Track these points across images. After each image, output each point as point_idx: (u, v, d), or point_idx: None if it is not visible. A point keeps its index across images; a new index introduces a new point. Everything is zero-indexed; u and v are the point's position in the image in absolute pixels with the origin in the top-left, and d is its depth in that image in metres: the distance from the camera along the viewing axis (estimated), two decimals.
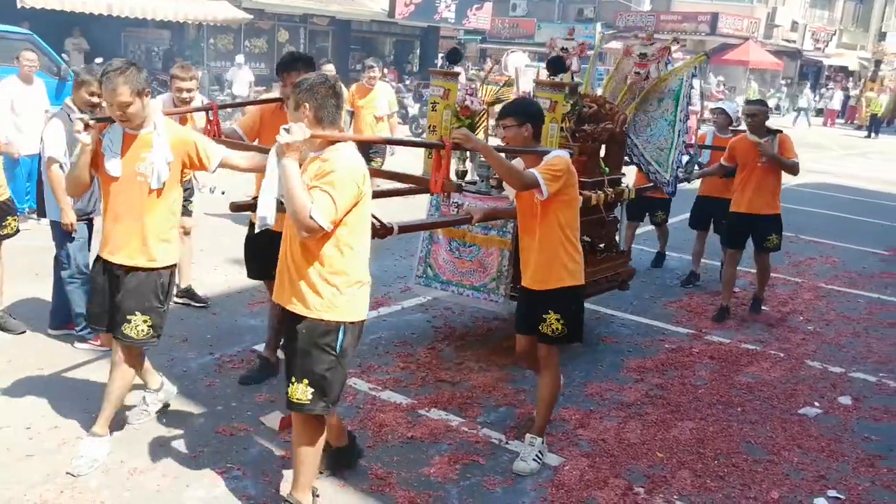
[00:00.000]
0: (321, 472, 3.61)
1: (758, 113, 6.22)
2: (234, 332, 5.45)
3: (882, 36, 41.38)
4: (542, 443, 4.03)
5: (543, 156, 3.88)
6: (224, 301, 6.04)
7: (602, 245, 5.60)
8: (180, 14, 18.67)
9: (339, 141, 3.14)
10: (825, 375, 5.43)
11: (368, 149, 8.15)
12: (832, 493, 3.90)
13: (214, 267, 6.81)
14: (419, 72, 27.16)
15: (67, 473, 3.57)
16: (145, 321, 3.70)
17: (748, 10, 33.84)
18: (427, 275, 5.43)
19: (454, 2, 27.25)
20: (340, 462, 3.79)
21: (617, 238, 5.77)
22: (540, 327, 3.96)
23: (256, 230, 3.24)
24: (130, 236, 3.66)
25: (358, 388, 4.68)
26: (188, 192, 5.67)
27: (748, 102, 7.09)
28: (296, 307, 3.18)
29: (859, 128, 29.31)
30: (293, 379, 3.22)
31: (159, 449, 3.88)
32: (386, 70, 25.09)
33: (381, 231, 3.96)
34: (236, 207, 3.84)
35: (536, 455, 3.97)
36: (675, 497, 3.77)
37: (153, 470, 3.69)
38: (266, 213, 3.08)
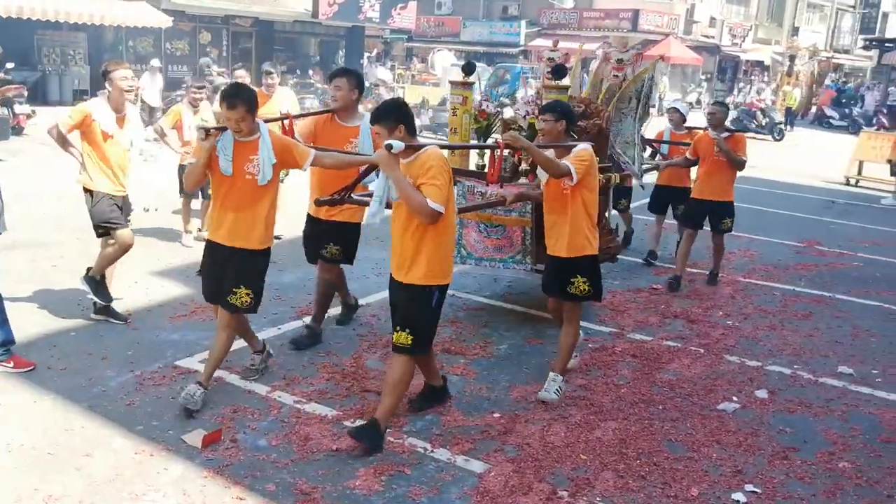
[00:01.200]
0: (418, 409, 4.57)
1: (717, 112, 7.36)
2: (156, 347, 5.31)
3: (795, 31, 42.92)
4: (563, 381, 4.89)
5: (571, 148, 4.69)
6: (145, 316, 5.88)
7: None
8: (96, 16, 18.16)
9: (421, 147, 4.04)
10: (743, 370, 5.58)
11: None
12: (749, 487, 4.01)
13: (135, 281, 6.62)
14: None
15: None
16: (248, 294, 4.46)
17: (668, 6, 34.64)
18: (461, 254, 6.12)
19: (378, 1, 27.18)
20: (433, 398, 4.66)
21: (607, 218, 6.63)
22: (568, 289, 4.82)
23: (365, 222, 4.46)
24: (240, 224, 4.41)
25: (282, 402, 4.61)
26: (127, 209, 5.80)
27: (712, 104, 8.22)
28: (410, 277, 4.08)
29: (756, 127, 30.29)
30: (397, 328, 4.13)
31: (76, 473, 3.76)
32: (311, 72, 24.91)
33: None
34: (320, 203, 4.84)
35: (557, 389, 4.82)
36: (597, 499, 3.82)
37: (69, 497, 3.57)
38: (375, 212, 4.13)
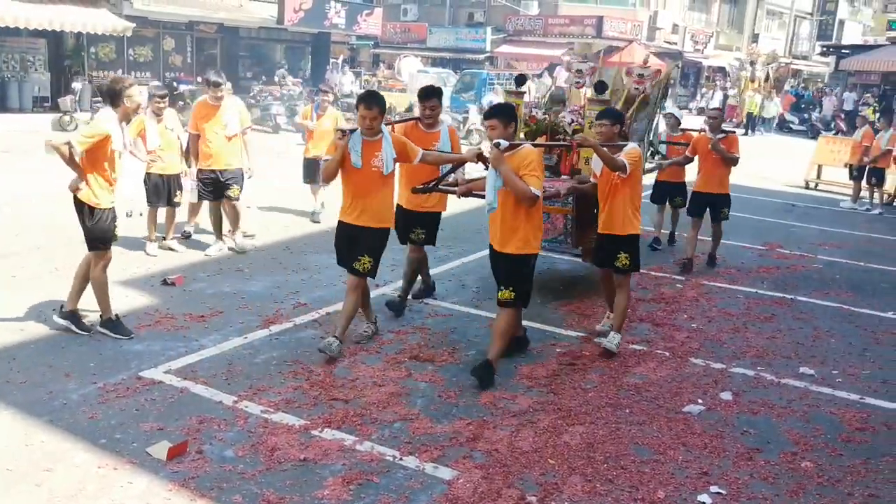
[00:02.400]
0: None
1: (717, 116, 8.71)
2: (119, 358, 5.24)
3: (755, 38, 43.64)
4: (620, 336, 5.83)
5: (622, 147, 5.73)
6: None
7: None
8: (56, 23, 17.88)
9: (519, 145, 5.16)
10: (708, 372, 5.65)
11: (224, 179, 7.70)
12: (714, 488, 4.06)
13: None
14: (311, 78, 26.87)
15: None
16: (369, 261, 5.49)
17: (631, 13, 35.03)
18: None
19: (344, 8, 27.13)
20: (519, 345, 5.66)
21: None
22: (615, 263, 5.81)
23: (487, 212, 5.21)
24: (367, 207, 5.45)
25: (249, 412, 4.57)
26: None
27: (710, 109, 9.86)
28: (510, 249, 5.14)
29: (738, 126, 30.81)
30: (502, 287, 5.21)
31: (36, 490, 3.69)
32: (277, 78, 24.72)
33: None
34: (416, 190, 5.85)
35: (617, 343, 5.78)
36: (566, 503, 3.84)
37: None
38: (492, 199, 5.10)
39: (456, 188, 5.89)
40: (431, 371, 5.33)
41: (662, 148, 9.40)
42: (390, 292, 6.91)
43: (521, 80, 7.71)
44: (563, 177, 7.13)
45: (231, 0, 23.81)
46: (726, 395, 5.23)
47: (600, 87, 7.08)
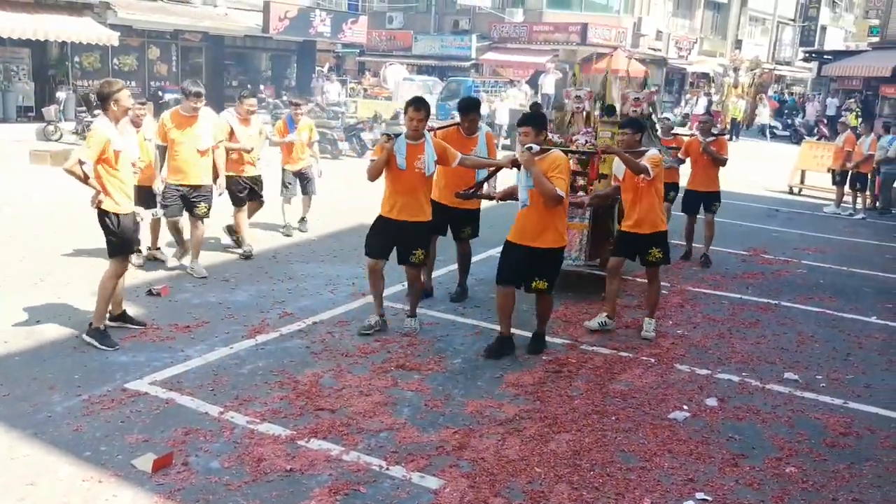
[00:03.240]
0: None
1: (707, 121, 9.50)
2: (104, 370, 5.20)
3: (738, 44, 43.97)
4: (656, 321, 6.57)
5: (643, 153, 6.25)
6: None
7: None
8: (40, 32, 17.77)
9: (549, 150, 5.75)
10: (693, 378, 5.68)
11: (192, 196, 7.38)
12: (700, 495, 4.07)
13: (82, 301, 6.48)
14: (297, 86, 26.85)
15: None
16: (422, 252, 6.14)
17: (615, 20, 35.19)
18: None
19: (329, 16, 27.17)
20: (503, 349, 5.91)
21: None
22: (647, 258, 6.40)
23: (521, 207, 5.69)
24: (408, 203, 6.02)
25: (235, 423, 4.55)
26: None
27: (702, 115, 10.60)
28: (541, 244, 5.67)
29: (723, 132, 30.97)
30: (535, 278, 5.74)
31: None
32: (263, 87, 24.74)
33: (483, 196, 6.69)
34: (460, 196, 6.31)
35: (654, 329, 6.48)
36: None
37: None
38: (525, 199, 5.65)
39: (493, 196, 6.56)
40: (418, 380, 5.33)
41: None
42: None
43: (535, 107, 8.85)
44: (580, 193, 7.63)
45: (216, 9, 23.79)
46: (711, 402, 5.26)
47: (610, 110, 7.98)
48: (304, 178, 9.53)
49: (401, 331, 6.21)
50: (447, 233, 7.05)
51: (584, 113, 8.27)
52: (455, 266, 7.44)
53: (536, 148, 5.55)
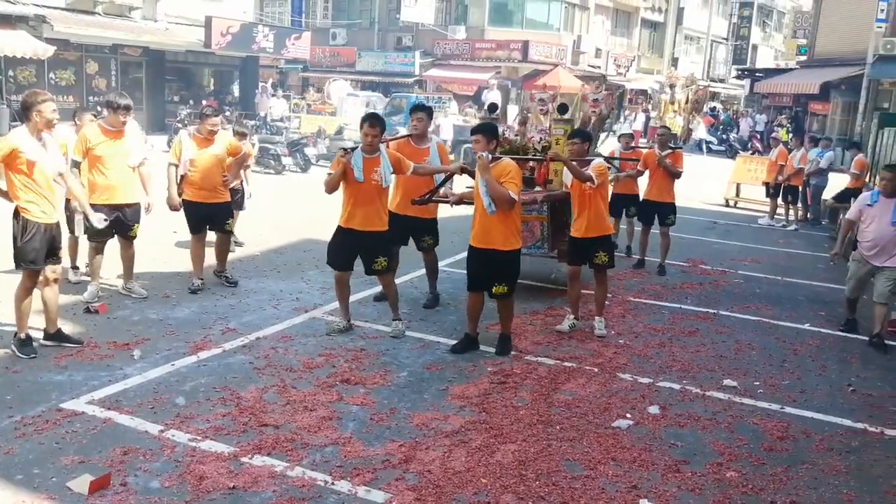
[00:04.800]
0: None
1: (664, 134, 10.05)
2: (38, 389, 5.03)
3: (675, 62, 45.13)
4: (604, 322, 6.94)
5: (590, 162, 6.66)
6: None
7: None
8: None
9: (500, 158, 6.09)
10: (635, 387, 5.76)
11: (126, 216, 6.96)
12: (644, 501, 4.12)
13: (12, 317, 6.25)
14: (240, 102, 26.55)
15: None
16: (384, 260, 6.40)
17: (556, 37, 35.76)
18: None
19: (272, 32, 26.96)
20: (469, 345, 6.27)
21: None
22: (594, 260, 6.76)
23: (490, 214, 5.92)
24: (369, 215, 6.28)
25: (176, 441, 4.45)
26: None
27: (659, 127, 10.94)
28: (500, 245, 5.96)
29: (681, 146, 31.59)
30: (496, 283, 6.05)
31: None
32: (205, 102, 24.35)
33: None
34: (415, 202, 6.73)
35: (604, 326, 6.88)
36: None
37: None
38: (489, 203, 5.90)
39: (448, 199, 6.84)
40: (363, 394, 5.30)
41: (615, 164, 10.06)
42: (321, 315, 6.86)
43: (493, 108, 9.03)
44: (537, 188, 7.90)
45: (157, 23, 23.40)
46: (654, 409, 5.34)
47: (562, 108, 8.12)
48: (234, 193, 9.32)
49: (393, 335, 6.51)
50: (409, 243, 7.33)
51: (598, 115, 8.62)
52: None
53: (488, 156, 5.87)
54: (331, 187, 6.30)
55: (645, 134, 34.77)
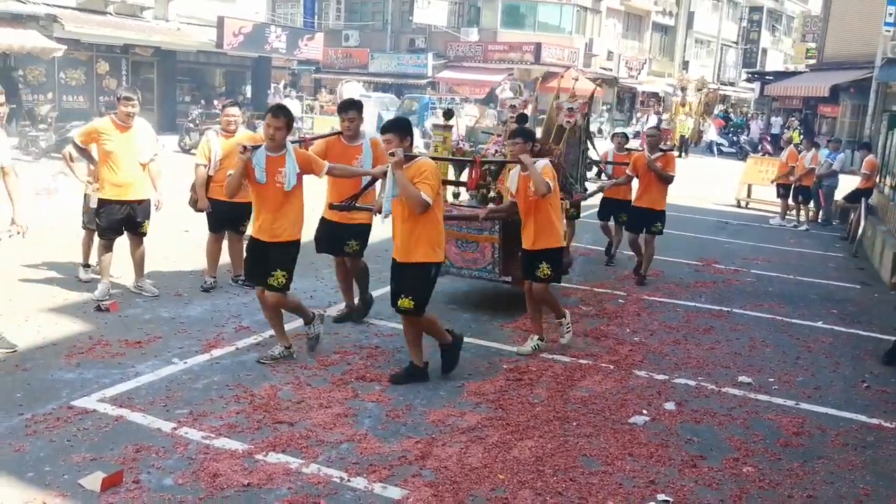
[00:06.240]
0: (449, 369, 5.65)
1: (654, 135, 8.96)
2: (49, 387, 5.00)
3: (685, 65, 45.04)
4: (569, 322, 6.39)
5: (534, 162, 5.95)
6: (36, 354, 5.55)
7: None
8: None
9: (416, 157, 5.37)
10: (651, 383, 5.72)
11: (136, 213, 6.93)
12: (661, 496, 4.09)
13: (26, 318, 6.27)
14: (251, 102, 26.61)
15: None
16: (283, 275, 5.52)
17: (568, 40, 35.81)
18: (445, 264, 6.70)
19: (285, 32, 27.03)
20: (452, 353, 5.67)
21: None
22: (537, 273, 6.05)
23: (382, 221, 5.50)
24: (275, 222, 5.49)
25: (190, 438, 4.42)
26: None
27: (648, 128, 9.79)
28: (415, 258, 5.23)
29: (671, 148, 31.52)
30: (402, 296, 5.26)
31: None
32: (216, 101, 24.42)
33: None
34: (334, 207, 6.10)
35: (567, 329, 6.34)
36: None
37: None
38: (388, 207, 5.33)
39: (374, 205, 6.09)
40: (378, 391, 5.27)
41: (608, 168, 9.85)
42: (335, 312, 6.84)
43: (448, 114, 8.00)
44: (469, 200, 7.43)
45: (168, 23, 23.47)
46: (670, 405, 5.31)
47: (522, 118, 7.68)
48: None
49: (308, 334, 5.89)
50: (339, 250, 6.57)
51: (574, 125, 7.90)
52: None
53: (401, 153, 5.16)
54: (230, 190, 5.63)
55: None
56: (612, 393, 5.47)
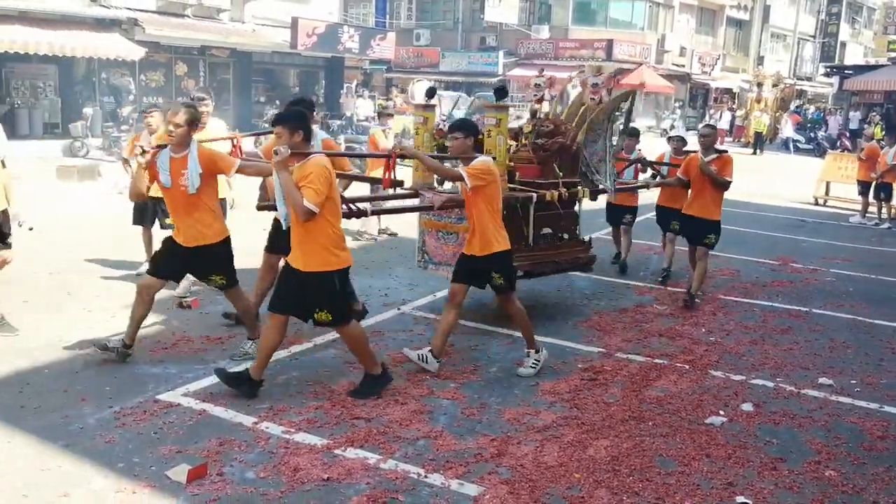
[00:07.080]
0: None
1: (708, 134, 7.66)
2: (136, 381, 5.19)
3: (760, 60, 43.82)
4: (541, 354, 5.63)
5: (473, 159, 5.34)
6: None
7: (562, 234, 6.94)
8: (67, 48, 17.91)
9: (309, 154, 4.73)
10: (728, 384, 5.63)
11: None
12: (740, 498, 4.03)
13: (112, 315, 6.51)
14: (325, 102, 26.97)
15: None
16: (220, 277, 5.44)
17: (640, 36, 35.25)
18: (425, 259, 6.89)
19: (357, 32, 27.29)
20: (374, 384, 5.10)
21: (577, 229, 7.11)
22: (491, 282, 5.45)
23: (284, 226, 4.88)
24: (189, 226, 5.26)
25: (270, 433, 4.53)
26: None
27: (702, 126, 8.47)
28: (308, 266, 4.74)
29: (745, 145, 30.84)
30: (316, 310, 4.84)
31: None
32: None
33: (356, 214, 5.91)
34: (261, 208, 5.50)
35: (532, 363, 5.61)
36: None
37: None
38: (283, 210, 4.82)
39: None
40: (453, 388, 5.32)
41: (663, 170, 8.90)
42: (410, 310, 6.91)
43: (430, 92, 7.16)
44: (441, 189, 6.77)
45: (244, 25, 23.99)
46: (747, 406, 5.21)
47: (499, 93, 6.48)
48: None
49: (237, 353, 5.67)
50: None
51: (598, 105, 7.05)
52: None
53: (285, 151, 4.61)
54: (133, 195, 5.45)
55: (731, 133, 33.93)
56: (687, 393, 5.41)
